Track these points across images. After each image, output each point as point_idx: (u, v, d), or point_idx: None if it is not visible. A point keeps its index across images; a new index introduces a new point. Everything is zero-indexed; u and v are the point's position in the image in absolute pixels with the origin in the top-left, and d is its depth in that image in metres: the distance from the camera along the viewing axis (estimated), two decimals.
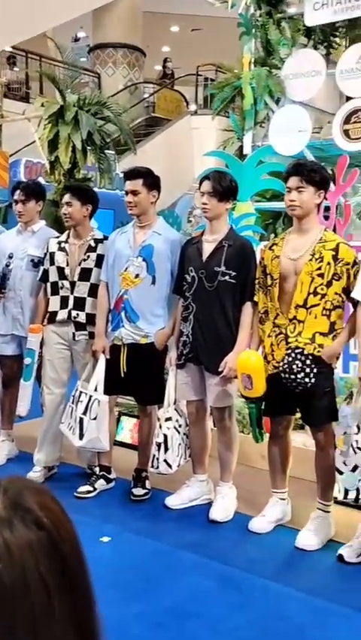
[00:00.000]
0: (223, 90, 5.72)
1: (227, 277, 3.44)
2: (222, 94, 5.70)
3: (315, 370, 3.18)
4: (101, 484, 3.86)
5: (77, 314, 3.90)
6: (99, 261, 3.88)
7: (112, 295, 3.77)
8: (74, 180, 5.63)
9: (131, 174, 3.71)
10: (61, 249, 3.98)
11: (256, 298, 3.43)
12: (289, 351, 3.21)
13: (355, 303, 3.18)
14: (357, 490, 2.95)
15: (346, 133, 5.04)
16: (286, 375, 3.21)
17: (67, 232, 4.06)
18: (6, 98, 9.87)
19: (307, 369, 3.18)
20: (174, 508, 3.66)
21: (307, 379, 3.18)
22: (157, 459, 3.57)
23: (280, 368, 3.23)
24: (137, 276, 3.67)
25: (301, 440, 3.98)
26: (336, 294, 3.18)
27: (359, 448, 2.93)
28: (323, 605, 2.69)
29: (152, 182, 3.71)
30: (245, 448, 3.94)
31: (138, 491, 3.80)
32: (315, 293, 3.16)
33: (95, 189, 4.36)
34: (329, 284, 3.16)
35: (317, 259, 3.17)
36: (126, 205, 3.72)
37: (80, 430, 3.67)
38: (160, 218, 3.88)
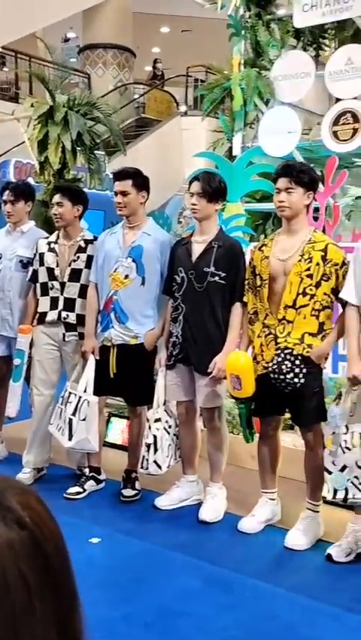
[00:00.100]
0: (213, 91, 5.72)
1: (216, 278, 3.44)
2: (212, 95, 5.71)
3: (304, 371, 3.19)
4: (90, 485, 3.86)
5: (67, 315, 3.90)
6: (89, 261, 3.88)
7: (101, 296, 3.77)
8: (64, 181, 5.61)
9: (120, 175, 3.71)
10: (51, 249, 3.97)
11: (245, 299, 3.44)
12: (279, 351, 3.22)
13: (343, 304, 3.19)
14: (346, 489, 2.96)
15: (335, 134, 5.06)
16: (276, 376, 3.22)
17: (56, 233, 4.05)
18: None
19: (297, 370, 3.19)
20: (163, 508, 3.66)
21: (296, 379, 3.19)
22: (147, 460, 3.57)
23: (270, 368, 3.24)
24: (126, 276, 3.67)
25: (291, 440, 3.99)
26: (325, 294, 3.20)
27: (347, 448, 2.94)
28: (312, 605, 2.70)
29: (141, 182, 3.71)
30: (235, 449, 3.95)
31: (128, 492, 3.80)
32: (304, 293, 3.17)
33: (85, 190, 4.35)
34: (318, 284, 3.17)
35: (306, 260, 3.19)
36: (116, 206, 3.72)
37: (69, 431, 3.66)
38: (150, 219, 3.88)
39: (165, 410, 3.67)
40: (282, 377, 3.21)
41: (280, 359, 3.21)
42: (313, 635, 2.51)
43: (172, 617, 2.58)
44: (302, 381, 3.19)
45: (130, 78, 15.00)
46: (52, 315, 3.92)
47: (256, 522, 3.44)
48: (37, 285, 3.99)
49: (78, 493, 3.78)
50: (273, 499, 3.53)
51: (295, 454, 3.59)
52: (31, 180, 6.93)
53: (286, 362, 3.20)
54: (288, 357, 3.20)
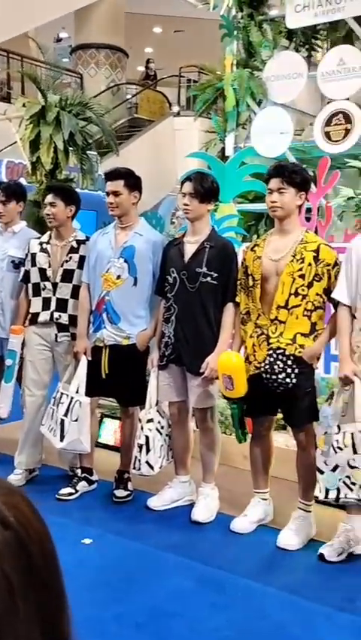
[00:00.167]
0: (205, 91, 5.73)
1: (209, 278, 3.44)
2: (204, 95, 5.71)
3: (296, 371, 3.19)
4: (82, 486, 3.85)
5: (60, 315, 3.89)
6: (82, 262, 3.87)
7: (93, 296, 3.76)
8: (56, 181, 5.60)
9: (112, 175, 3.70)
10: (43, 250, 3.96)
11: (237, 299, 3.44)
12: (271, 351, 3.22)
13: (335, 304, 3.20)
14: (338, 489, 2.97)
15: (327, 135, 5.07)
16: (268, 376, 3.23)
17: (48, 233, 4.04)
18: None
19: (289, 370, 3.19)
20: (156, 509, 3.66)
21: (288, 380, 3.20)
22: (139, 460, 3.57)
23: (262, 368, 3.25)
24: (118, 277, 3.66)
25: (283, 440, 4.00)
26: (317, 294, 3.20)
27: (339, 447, 2.95)
28: (304, 604, 2.71)
29: (133, 183, 3.71)
30: (227, 449, 3.95)
31: (120, 493, 3.79)
32: (296, 294, 3.18)
33: (78, 190, 4.34)
34: (310, 285, 3.18)
35: (298, 260, 3.19)
36: (107, 206, 3.71)
37: (61, 432, 3.65)
38: (142, 219, 3.87)
39: (158, 411, 3.67)
40: (274, 377, 3.21)
41: (272, 359, 3.21)
42: (305, 634, 2.51)
43: (164, 618, 2.58)
44: (294, 381, 3.19)
45: (123, 78, 14.99)
46: (44, 316, 3.91)
47: (249, 522, 3.45)
48: (29, 285, 3.97)
49: (70, 494, 3.78)
50: (265, 499, 3.53)
51: (288, 454, 3.60)
52: (23, 180, 6.91)
53: (279, 362, 3.20)
54: (280, 357, 3.20)
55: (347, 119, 4.97)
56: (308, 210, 4.67)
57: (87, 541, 3.22)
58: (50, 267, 3.91)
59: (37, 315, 3.93)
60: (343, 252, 3.31)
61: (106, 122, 6.62)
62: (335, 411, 3.06)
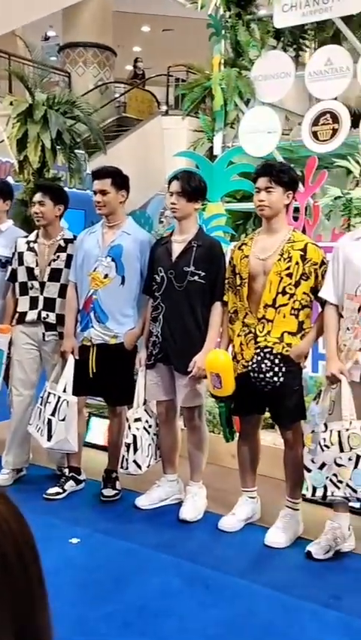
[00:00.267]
0: (193, 91, 5.74)
1: (196, 277, 3.44)
2: (192, 94, 5.72)
3: (283, 369, 3.20)
4: (70, 485, 3.84)
5: (47, 314, 3.87)
6: (69, 261, 3.86)
7: (81, 295, 3.75)
8: (44, 180, 5.58)
9: (99, 174, 3.69)
10: (30, 248, 3.94)
11: (225, 298, 3.45)
12: (258, 350, 3.23)
13: (322, 303, 3.21)
14: (325, 487, 2.98)
15: (314, 135, 5.09)
16: (255, 375, 3.23)
17: (36, 232, 4.02)
18: None
19: (276, 369, 3.20)
20: (144, 508, 3.65)
21: (275, 378, 3.20)
22: (126, 460, 3.56)
23: (249, 367, 3.25)
24: (106, 276, 3.66)
25: (271, 439, 4.01)
26: (304, 293, 3.21)
27: (326, 445, 2.96)
28: (291, 602, 2.72)
29: (121, 181, 3.70)
30: (215, 448, 3.96)
31: (108, 492, 3.79)
32: (284, 292, 3.19)
33: (66, 189, 4.32)
34: (297, 284, 3.19)
35: (285, 259, 3.20)
36: (95, 205, 3.70)
37: (48, 432, 3.64)
38: (129, 218, 3.87)
39: (145, 410, 3.66)
40: (262, 376, 3.22)
41: (259, 358, 3.22)
42: (292, 632, 2.52)
43: (152, 617, 2.58)
44: (282, 379, 3.20)
45: (111, 77, 14.96)
46: (31, 315, 3.89)
47: (236, 520, 3.45)
48: (16, 284, 3.96)
49: (58, 493, 3.77)
50: (253, 498, 3.54)
51: (275, 452, 3.60)
52: (10, 179, 6.87)
53: (266, 361, 3.21)
54: (268, 356, 3.21)
55: (335, 118, 4.99)
56: (296, 210, 4.69)
57: (75, 540, 3.21)
58: (37, 265, 3.89)
59: (24, 314, 3.91)
60: (330, 251, 3.32)
61: (94, 121, 6.60)
62: (322, 409, 3.07)
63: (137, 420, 3.60)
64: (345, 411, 2.95)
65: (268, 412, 3.47)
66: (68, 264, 3.86)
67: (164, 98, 14.52)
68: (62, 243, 3.92)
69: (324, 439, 2.97)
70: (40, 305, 3.87)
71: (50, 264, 3.88)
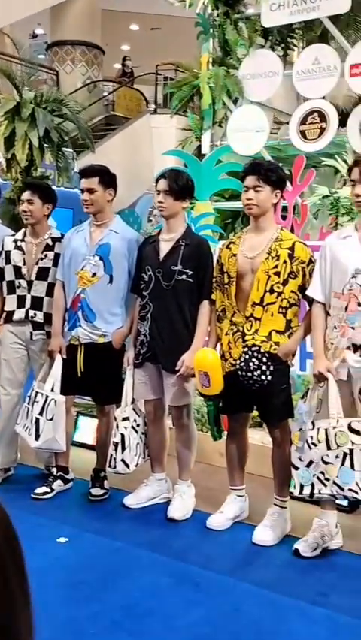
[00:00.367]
0: (181, 89, 5.74)
1: (184, 276, 3.44)
2: (181, 93, 5.72)
3: (271, 368, 3.21)
4: (58, 484, 3.83)
5: (35, 314, 3.86)
6: (57, 259, 3.84)
7: (68, 294, 3.74)
8: (32, 178, 5.56)
9: (87, 172, 3.68)
10: (17, 247, 3.92)
11: (213, 296, 3.45)
12: (246, 348, 3.23)
13: (310, 301, 3.22)
14: (312, 485, 2.99)
15: (302, 134, 5.11)
16: (243, 373, 3.24)
17: (23, 230, 4.00)
18: None
19: (264, 367, 3.21)
20: (132, 507, 3.65)
21: (263, 377, 3.21)
22: (114, 459, 3.56)
23: (238, 366, 3.26)
24: (94, 274, 3.65)
25: (259, 437, 4.02)
26: (292, 292, 3.22)
27: (313, 443, 2.97)
28: (279, 599, 2.72)
29: (108, 180, 3.69)
30: (203, 446, 3.96)
31: (96, 491, 3.78)
32: (271, 291, 3.19)
33: (54, 188, 4.31)
34: (285, 282, 3.20)
35: (273, 257, 3.21)
36: (82, 203, 3.69)
37: (36, 431, 3.63)
38: (117, 217, 3.86)
39: (134, 409, 3.66)
40: (249, 374, 3.22)
41: (247, 356, 3.23)
42: (279, 629, 2.53)
43: (140, 616, 2.58)
44: (269, 378, 3.21)
45: (99, 75, 14.91)
46: (19, 314, 3.87)
47: (225, 519, 3.46)
48: (4, 283, 3.93)
49: (46, 493, 3.75)
50: (241, 496, 3.55)
51: (263, 450, 3.62)
52: None
53: (254, 359, 3.21)
54: (255, 354, 3.22)
55: (322, 117, 5.01)
56: (284, 209, 4.70)
57: (63, 540, 3.20)
58: (24, 264, 3.88)
59: (12, 313, 3.89)
60: (318, 249, 3.33)
61: (82, 119, 6.57)
62: (309, 407, 3.08)
63: (125, 419, 3.59)
64: (332, 409, 2.96)
65: (256, 410, 3.48)
66: (55, 263, 3.84)
67: (152, 97, 14.50)
68: (49, 241, 3.90)
69: (311, 437, 2.98)
70: (28, 304, 3.86)
71: (37, 263, 3.86)
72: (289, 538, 3.28)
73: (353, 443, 2.89)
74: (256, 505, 3.53)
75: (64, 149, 6.17)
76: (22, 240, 3.94)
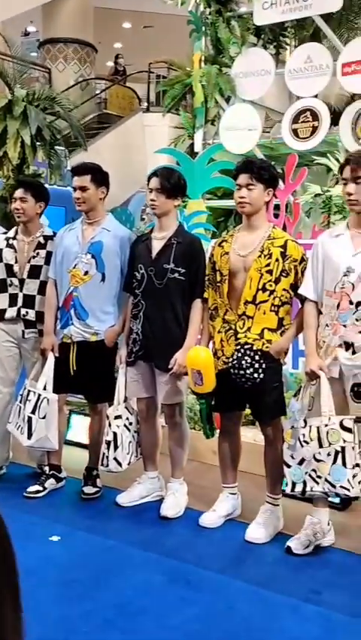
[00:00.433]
0: (174, 87, 5.74)
1: (176, 274, 3.44)
2: (173, 91, 5.72)
3: (264, 366, 3.21)
4: (50, 483, 3.82)
5: (27, 312, 3.84)
6: (49, 258, 3.83)
7: (61, 293, 3.73)
8: (24, 176, 5.55)
9: (79, 170, 3.68)
10: (9, 245, 3.91)
11: (205, 295, 3.45)
12: (239, 346, 3.24)
13: (302, 300, 3.23)
14: (304, 482, 3.00)
15: (295, 132, 5.12)
16: (236, 371, 3.24)
17: (15, 228, 3.99)
18: None
19: (256, 365, 3.21)
20: (125, 505, 3.65)
21: (256, 375, 3.21)
22: (107, 457, 3.56)
23: (230, 364, 3.26)
24: (86, 273, 3.64)
25: (252, 435, 4.03)
26: (284, 290, 3.23)
27: (305, 441, 2.98)
28: (271, 597, 2.73)
29: (100, 178, 3.69)
30: (196, 444, 3.97)
31: (89, 490, 3.78)
32: (264, 289, 3.20)
33: (46, 185, 4.30)
34: (277, 280, 3.20)
35: (265, 256, 3.21)
36: (74, 201, 3.68)
37: (28, 430, 3.62)
38: (109, 215, 3.85)
39: (126, 407, 3.66)
40: (242, 372, 3.23)
41: (240, 354, 3.23)
42: (271, 626, 2.53)
43: (133, 614, 2.58)
44: (262, 376, 3.21)
45: (91, 73, 14.86)
46: (11, 312, 3.86)
47: (217, 517, 3.46)
48: None
49: (38, 491, 3.74)
50: (234, 494, 3.55)
51: (256, 448, 3.62)
52: None
53: (246, 357, 3.22)
54: (248, 352, 3.22)
55: (315, 116, 5.02)
56: (277, 207, 4.71)
57: (55, 538, 3.20)
58: (16, 262, 3.86)
59: (3, 311, 3.88)
60: (310, 248, 3.33)
61: (74, 117, 6.58)
62: (302, 405, 3.09)
63: (117, 417, 3.59)
64: (324, 407, 2.97)
65: (249, 408, 3.49)
66: (47, 261, 3.83)
67: (145, 95, 14.47)
68: (41, 239, 3.89)
69: (303, 435, 2.99)
70: (20, 302, 3.84)
71: (29, 261, 3.85)
72: (282, 535, 3.29)
73: (344, 441, 2.90)
74: (248, 503, 3.54)
75: (56, 147, 6.17)
76: (14, 238, 3.92)
